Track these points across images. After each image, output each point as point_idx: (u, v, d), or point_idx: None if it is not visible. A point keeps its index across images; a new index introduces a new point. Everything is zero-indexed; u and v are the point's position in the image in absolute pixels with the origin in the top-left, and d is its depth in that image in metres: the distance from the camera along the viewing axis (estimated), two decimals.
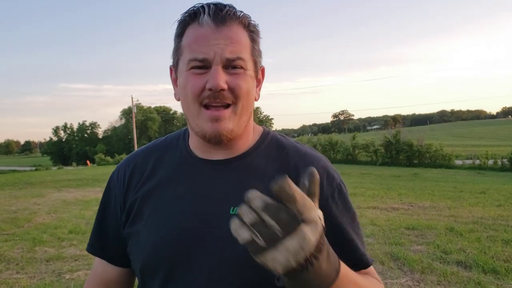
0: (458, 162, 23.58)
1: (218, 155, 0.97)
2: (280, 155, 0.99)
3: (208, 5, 0.89)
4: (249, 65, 0.92)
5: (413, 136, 25.92)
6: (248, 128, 0.98)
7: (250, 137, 1.01)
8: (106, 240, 1.06)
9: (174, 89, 1.00)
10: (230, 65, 0.88)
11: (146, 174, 1.01)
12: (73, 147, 67.76)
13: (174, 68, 0.98)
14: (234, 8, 0.91)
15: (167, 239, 0.92)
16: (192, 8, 0.91)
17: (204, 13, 0.88)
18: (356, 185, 13.20)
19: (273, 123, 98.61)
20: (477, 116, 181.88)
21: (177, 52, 0.94)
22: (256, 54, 0.94)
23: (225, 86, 0.87)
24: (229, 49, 0.87)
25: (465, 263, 4.71)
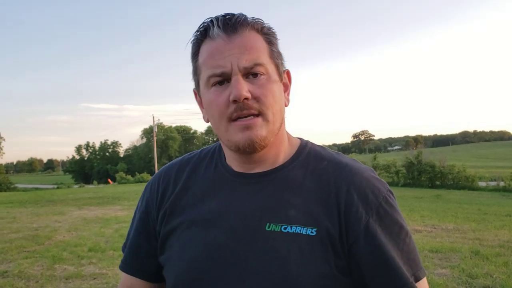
0: (482, 183, 23.11)
1: (253, 168, 0.94)
2: (319, 167, 0.93)
3: (217, 17, 0.88)
4: (271, 69, 0.89)
5: (435, 157, 25.57)
6: (280, 137, 0.94)
7: (285, 147, 0.97)
8: (140, 255, 1.03)
9: (202, 112, 0.98)
10: (250, 73, 0.86)
11: (180, 187, 0.99)
12: (94, 166, 68.66)
13: (197, 91, 0.96)
14: (243, 15, 0.89)
15: (199, 257, 0.89)
16: (202, 25, 0.89)
17: (214, 26, 0.87)
18: None
19: None
20: (501, 137, 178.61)
21: (196, 73, 0.93)
22: (276, 56, 0.91)
23: (248, 95, 0.84)
24: (245, 58, 0.85)
25: None
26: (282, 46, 0.94)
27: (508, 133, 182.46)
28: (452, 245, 6.73)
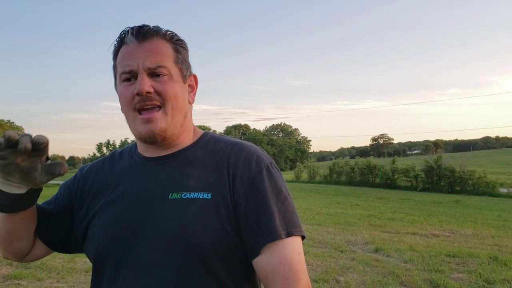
0: (503, 190, 22.71)
1: (161, 153, 1.09)
2: (216, 147, 1.10)
3: (133, 27, 1.04)
4: (174, 72, 1.04)
5: (455, 162, 25.22)
6: (185, 127, 1.10)
7: (190, 136, 1.12)
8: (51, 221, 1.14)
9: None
10: (154, 73, 1.02)
11: (102, 179, 1.13)
12: None
13: (115, 87, 1.10)
14: (157, 27, 1.06)
15: (112, 228, 1.02)
16: (122, 32, 1.05)
17: (129, 34, 1.03)
18: (395, 210, 12.92)
19: (310, 145, 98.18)
20: None
21: (114, 71, 1.08)
22: (180, 62, 1.07)
23: (150, 90, 1.00)
24: (149, 60, 1.01)
25: None
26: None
27: None
28: (470, 250, 6.68)
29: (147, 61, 1.00)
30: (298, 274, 0.94)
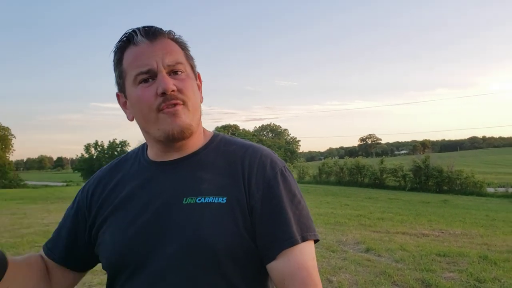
0: (490, 190, 23.00)
1: (172, 156, 1.06)
2: (228, 150, 1.07)
3: (138, 28, 1.01)
4: (188, 69, 1.03)
5: (443, 162, 25.48)
6: (199, 129, 1.08)
7: (201, 137, 1.10)
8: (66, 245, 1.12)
9: (126, 113, 1.09)
10: (172, 71, 0.99)
11: (111, 187, 1.09)
12: (103, 164, 66.36)
13: (121, 93, 1.07)
14: (160, 27, 1.03)
15: (127, 235, 0.99)
16: (124, 35, 1.01)
17: (137, 34, 0.99)
18: (384, 210, 13.01)
19: (299, 145, 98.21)
20: (510, 143, 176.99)
21: (121, 76, 1.04)
22: (190, 59, 1.06)
23: (174, 88, 0.97)
24: (167, 57, 0.98)
25: None
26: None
27: None
28: (460, 249, 6.75)
29: (166, 59, 0.98)
30: (315, 279, 0.95)
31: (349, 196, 19.59)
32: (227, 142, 1.11)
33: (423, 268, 5.53)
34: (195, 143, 1.08)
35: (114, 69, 1.05)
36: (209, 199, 0.97)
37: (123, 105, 1.09)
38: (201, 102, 1.09)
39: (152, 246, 0.96)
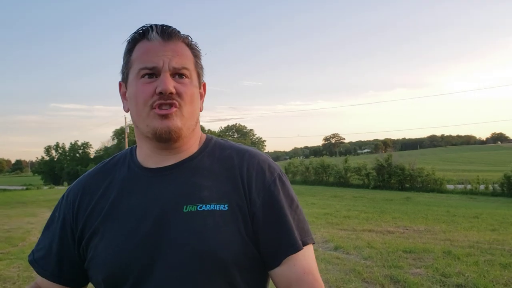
0: (450, 186, 23.76)
1: (167, 161, 1.04)
2: (224, 155, 1.07)
3: (156, 24, 1.01)
4: (193, 76, 1.03)
5: (404, 160, 26.09)
6: (195, 134, 1.07)
7: (197, 143, 1.09)
8: (52, 259, 1.08)
9: (123, 103, 1.08)
10: (177, 73, 0.99)
11: (99, 195, 1.05)
12: (64, 167, 66.92)
13: (123, 83, 1.06)
14: (178, 29, 1.03)
15: (126, 247, 0.96)
16: (141, 28, 1.01)
17: (153, 30, 1.00)
18: (350, 208, 13.26)
19: (265, 145, 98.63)
20: (467, 141, 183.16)
21: (126, 66, 1.03)
22: (199, 67, 1.06)
23: (173, 90, 0.96)
24: (175, 60, 0.98)
25: (465, 287, 4.74)
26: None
27: (474, 137, 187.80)
28: (425, 245, 6.95)
29: (173, 61, 0.98)
30: (320, 282, 0.97)
31: (315, 195, 19.83)
32: (221, 146, 1.11)
33: (391, 265, 5.67)
34: (191, 148, 1.06)
35: (123, 58, 1.04)
36: (211, 207, 0.96)
37: (123, 95, 1.07)
38: (201, 111, 1.08)
39: (154, 258, 0.94)
